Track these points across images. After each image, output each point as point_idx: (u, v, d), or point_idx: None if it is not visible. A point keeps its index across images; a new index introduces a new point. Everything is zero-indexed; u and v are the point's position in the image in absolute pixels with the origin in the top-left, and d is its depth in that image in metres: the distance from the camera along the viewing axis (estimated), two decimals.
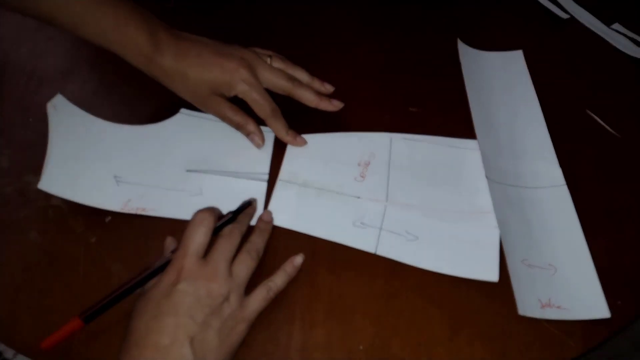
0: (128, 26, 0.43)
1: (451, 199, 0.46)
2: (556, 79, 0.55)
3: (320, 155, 0.48)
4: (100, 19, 0.43)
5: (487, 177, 0.46)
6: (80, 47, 0.58)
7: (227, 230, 0.40)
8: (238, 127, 0.48)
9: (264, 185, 0.46)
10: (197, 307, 0.35)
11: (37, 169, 0.45)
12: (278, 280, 0.40)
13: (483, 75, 0.55)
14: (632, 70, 0.57)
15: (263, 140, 0.48)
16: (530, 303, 0.40)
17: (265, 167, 0.47)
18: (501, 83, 0.54)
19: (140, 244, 0.43)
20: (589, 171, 0.48)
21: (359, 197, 0.46)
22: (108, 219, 0.45)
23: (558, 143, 0.50)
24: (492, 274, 0.41)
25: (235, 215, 0.41)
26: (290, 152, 0.49)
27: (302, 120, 0.50)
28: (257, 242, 0.41)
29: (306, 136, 0.49)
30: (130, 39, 0.43)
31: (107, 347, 0.38)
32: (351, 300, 0.41)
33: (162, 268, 0.38)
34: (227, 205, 0.43)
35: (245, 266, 0.39)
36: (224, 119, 0.48)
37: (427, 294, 0.41)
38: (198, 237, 0.37)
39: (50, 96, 0.48)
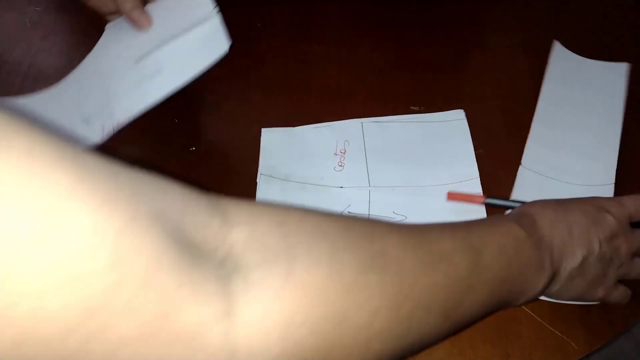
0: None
1: (433, 173, 0.46)
2: None
3: (296, 149, 0.48)
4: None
5: (524, 166, 0.47)
6: (76, 45, 0.57)
7: None
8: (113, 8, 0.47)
9: (217, 20, 0.44)
10: (605, 249, 0.36)
11: None
12: None
13: (571, 79, 0.53)
14: None
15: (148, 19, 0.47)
16: None
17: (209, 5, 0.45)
18: (588, 93, 0.52)
19: None
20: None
21: (341, 187, 0.46)
22: None
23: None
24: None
25: None
26: (265, 146, 0.48)
27: (298, 114, 0.50)
28: None
29: (276, 129, 0.49)
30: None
31: None
32: None
33: None
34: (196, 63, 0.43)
35: None
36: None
37: None
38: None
39: None
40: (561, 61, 0.54)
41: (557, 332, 0.39)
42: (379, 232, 0.26)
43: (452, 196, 0.43)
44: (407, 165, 0.47)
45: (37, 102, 0.47)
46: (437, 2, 0.62)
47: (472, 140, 0.49)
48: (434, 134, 0.49)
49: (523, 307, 0.40)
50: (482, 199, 0.43)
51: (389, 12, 0.61)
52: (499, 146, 0.49)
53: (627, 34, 0.59)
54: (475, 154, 0.48)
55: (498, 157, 0.48)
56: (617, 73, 0.52)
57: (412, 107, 0.52)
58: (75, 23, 0.59)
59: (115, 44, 0.48)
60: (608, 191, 0.45)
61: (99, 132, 0.44)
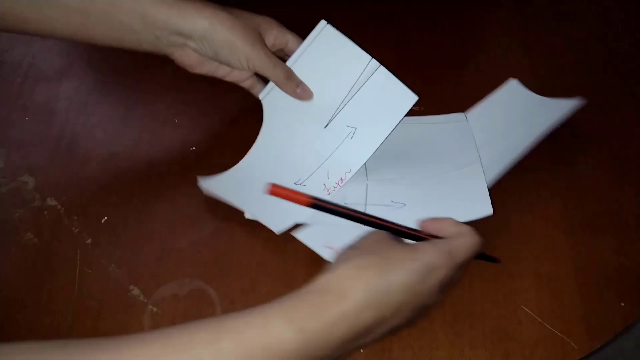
0: None
1: (433, 164, 0.46)
2: None
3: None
4: None
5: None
6: (76, 46, 0.57)
7: None
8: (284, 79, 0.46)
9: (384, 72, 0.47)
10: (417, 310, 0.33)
11: (32, 168, 0.45)
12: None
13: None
14: None
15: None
16: None
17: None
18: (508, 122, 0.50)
19: (136, 245, 0.43)
20: (594, 172, 0.48)
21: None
22: (104, 219, 0.44)
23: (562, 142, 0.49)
24: (486, 208, 0.41)
25: None
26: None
27: None
28: None
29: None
30: None
31: None
32: None
33: (416, 237, 0.37)
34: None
35: None
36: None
37: None
38: (468, 258, 0.35)
39: (46, 95, 0.48)
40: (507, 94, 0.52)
41: (557, 332, 0.39)
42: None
43: (274, 190, 0.35)
44: (406, 160, 0.47)
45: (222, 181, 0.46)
46: (437, 2, 0.62)
47: None
48: (434, 133, 0.49)
49: (523, 307, 0.40)
50: (308, 200, 0.35)
51: (389, 12, 0.61)
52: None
53: (628, 34, 0.59)
54: None
55: None
56: (559, 108, 0.48)
57: (413, 107, 0.52)
58: None
59: (286, 114, 0.48)
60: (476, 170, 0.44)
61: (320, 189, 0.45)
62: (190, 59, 0.45)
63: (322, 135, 0.46)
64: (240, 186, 0.45)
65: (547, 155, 0.48)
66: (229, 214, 0.44)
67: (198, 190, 0.46)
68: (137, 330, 0.39)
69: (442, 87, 0.54)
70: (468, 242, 0.35)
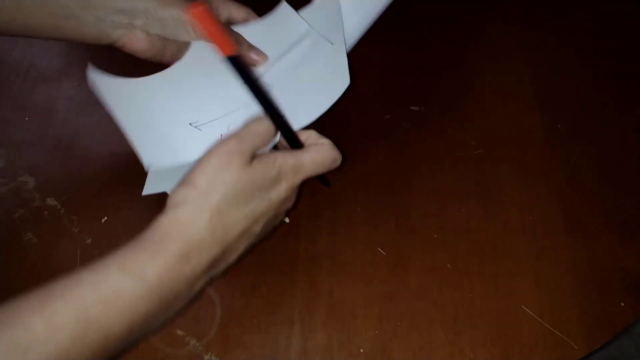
0: None
1: (297, 48, 0.45)
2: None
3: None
4: None
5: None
6: (75, 45, 0.57)
7: None
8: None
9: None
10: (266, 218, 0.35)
11: (32, 168, 0.45)
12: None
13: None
14: None
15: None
16: None
17: None
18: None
19: None
20: (594, 172, 0.48)
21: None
22: (104, 219, 0.44)
23: (561, 142, 0.49)
24: (344, 81, 0.41)
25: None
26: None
27: None
28: None
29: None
30: None
31: None
32: (351, 303, 0.40)
33: (296, 144, 0.37)
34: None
35: None
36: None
37: (429, 297, 0.41)
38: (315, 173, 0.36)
39: (46, 95, 0.48)
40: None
41: (557, 332, 0.39)
42: None
43: (199, 12, 0.28)
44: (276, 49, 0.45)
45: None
46: (437, 2, 0.62)
47: (472, 140, 0.49)
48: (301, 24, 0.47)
49: (523, 307, 0.40)
50: (231, 48, 0.31)
51: (389, 12, 0.61)
52: (499, 146, 0.49)
53: (628, 34, 0.59)
54: (475, 153, 0.49)
55: (498, 157, 0.48)
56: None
57: (412, 107, 0.52)
58: None
59: (210, 60, 0.43)
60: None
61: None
62: (139, 41, 0.42)
63: (238, 88, 0.39)
64: (131, 102, 0.43)
65: (547, 155, 0.48)
66: None
67: None
68: None
69: (441, 87, 0.54)
70: (321, 155, 0.36)
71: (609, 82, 0.55)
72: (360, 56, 0.57)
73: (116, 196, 0.46)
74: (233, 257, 0.34)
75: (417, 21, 0.61)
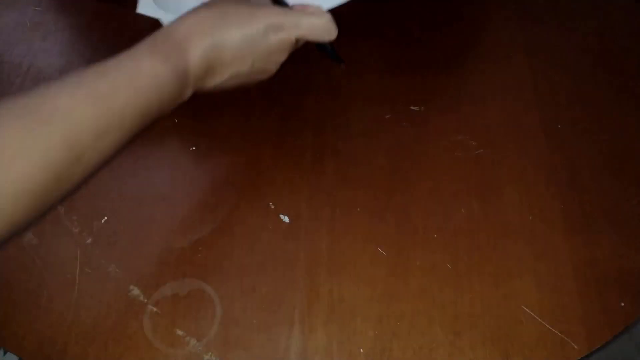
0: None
1: None
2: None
3: None
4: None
5: None
6: (76, 45, 0.57)
7: None
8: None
9: None
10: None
11: None
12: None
13: None
14: None
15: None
16: None
17: None
18: None
19: (136, 245, 0.43)
20: (594, 172, 0.48)
21: None
22: (104, 219, 0.44)
23: (561, 141, 0.49)
24: None
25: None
26: None
27: (298, 113, 0.50)
28: None
29: None
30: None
31: (103, 350, 0.38)
32: (351, 303, 0.40)
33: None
34: None
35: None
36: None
37: (429, 297, 0.41)
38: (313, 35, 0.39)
39: None
40: None
41: (557, 332, 0.39)
42: None
43: None
44: None
45: None
46: (437, 2, 0.62)
47: (472, 140, 0.49)
48: None
49: (523, 307, 0.40)
50: None
51: (389, 12, 0.61)
52: (499, 146, 0.49)
53: (627, 34, 0.59)
54: (475, 154, 0.49)
55: (498, 157, 0.48)
56: None
57: (412, 107, 0.52)
58: (75, 23, 0.59)
59: None
60: None
61: None
62: None
63: None
64: None
65: (547, 155, 0.49)
66: (229, 214, 0.44)
67: (198, 190, 0.46)
68: (137, 330, 0.39)
69: (442, 88, 0.54)
70: (318, 21, 0.39)
71: (609, 82, 0.55)
72: (360, 56, 0.57)
73: (116, 196, 0.46)
74: (217, 78, 0.37)
75: (417, 21, 0.61)
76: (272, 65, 0.40)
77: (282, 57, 0.40)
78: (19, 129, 0.28)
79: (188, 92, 0.36)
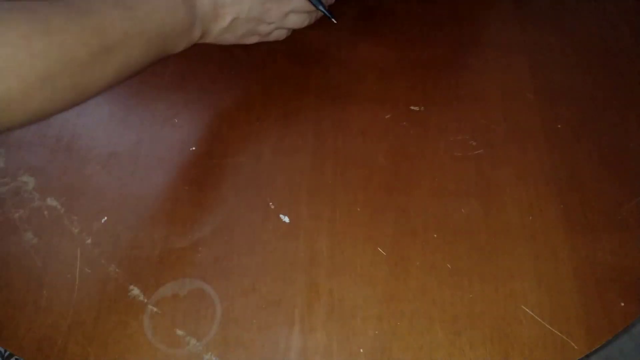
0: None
1: None
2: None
3: None
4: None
5: None
6: None
7: None
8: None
9: None
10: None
11: (32, 168, 0.45)
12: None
13: None
14: None
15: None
16: None
17: None
18: None
19: (136, 245, 0.43)
20: (594, 172, 0.48)
21: None
22: (104, 219, 0.44)
23: (558, 139, 0.49)
24: None
25: None
26: None
27: (297, 114, 0.50)
28: None
29: None
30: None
31: (103, 350, 0.38)
32: (351, 303, 0.40)
33: None
34: None
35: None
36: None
37: (429, 297, 0.41)
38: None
39: None
40: None
41: (557, 332, 0.39)
42: None
43: None
44: None
45: None
46: (437, 2, 0.62)
47: (472, 140, 0.49)
48: None
49: (523, 307, 0.40)
50: None
51: (389, 11, 0.61)
52: (499, 146, 0.49)
53: (628, 34, 0.59)
54: (475, 154, 0.49)
55: (498, 157, 0.48)
56: None
57: (412, 107, 0.52)
58: None
59: None
60: None
61: None
62: None
63: None
64: None
65: (547, 155, 0.48)
66: (229, 214, 0.44)
67: (198, 190, 0.46)
68: (137, 330, 0.39)
69: (441, 87, 0.54)
70: None
71: (609, 82, 0.55)
72: (360, 56, 0.57)
73: (116, 196, 0.46)
74: (220, 22, 0.43)
75: (417, 21, 0.61)
76: (269, 17, 0.45)
77: (278, 10, 0.44)
78: (62, 14, 0.32)
79: (197, 32, 0.41)
